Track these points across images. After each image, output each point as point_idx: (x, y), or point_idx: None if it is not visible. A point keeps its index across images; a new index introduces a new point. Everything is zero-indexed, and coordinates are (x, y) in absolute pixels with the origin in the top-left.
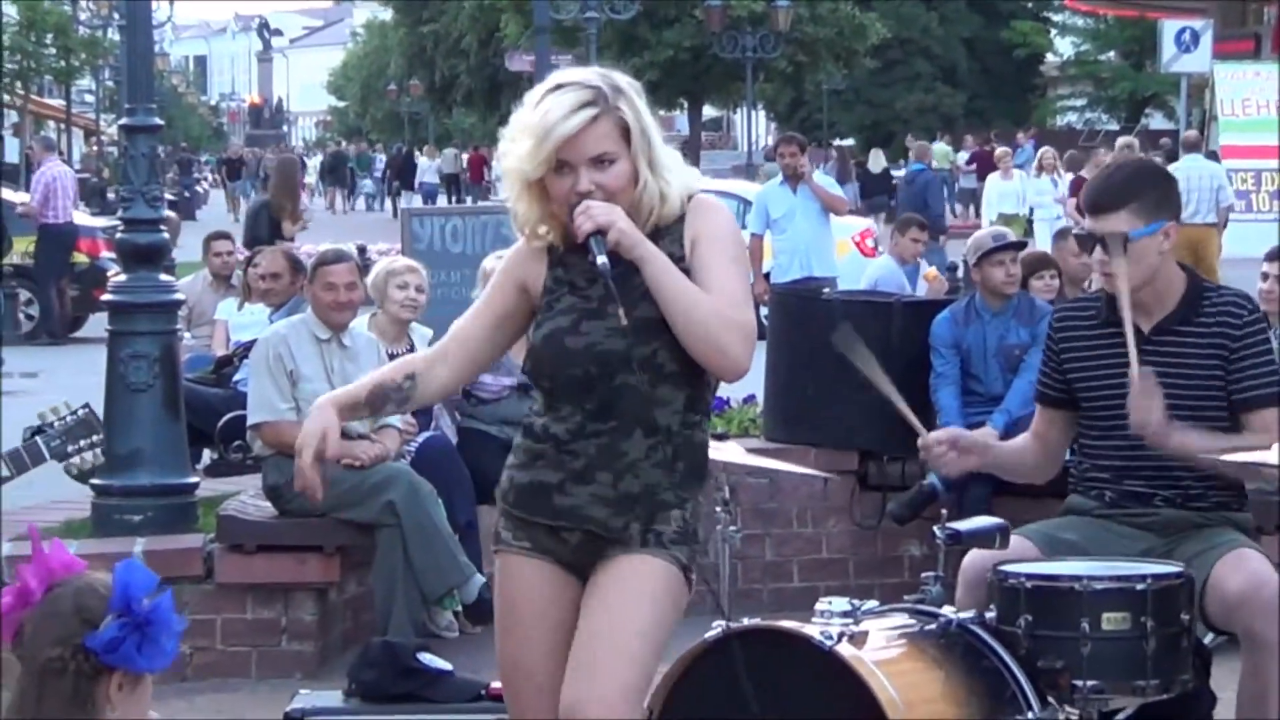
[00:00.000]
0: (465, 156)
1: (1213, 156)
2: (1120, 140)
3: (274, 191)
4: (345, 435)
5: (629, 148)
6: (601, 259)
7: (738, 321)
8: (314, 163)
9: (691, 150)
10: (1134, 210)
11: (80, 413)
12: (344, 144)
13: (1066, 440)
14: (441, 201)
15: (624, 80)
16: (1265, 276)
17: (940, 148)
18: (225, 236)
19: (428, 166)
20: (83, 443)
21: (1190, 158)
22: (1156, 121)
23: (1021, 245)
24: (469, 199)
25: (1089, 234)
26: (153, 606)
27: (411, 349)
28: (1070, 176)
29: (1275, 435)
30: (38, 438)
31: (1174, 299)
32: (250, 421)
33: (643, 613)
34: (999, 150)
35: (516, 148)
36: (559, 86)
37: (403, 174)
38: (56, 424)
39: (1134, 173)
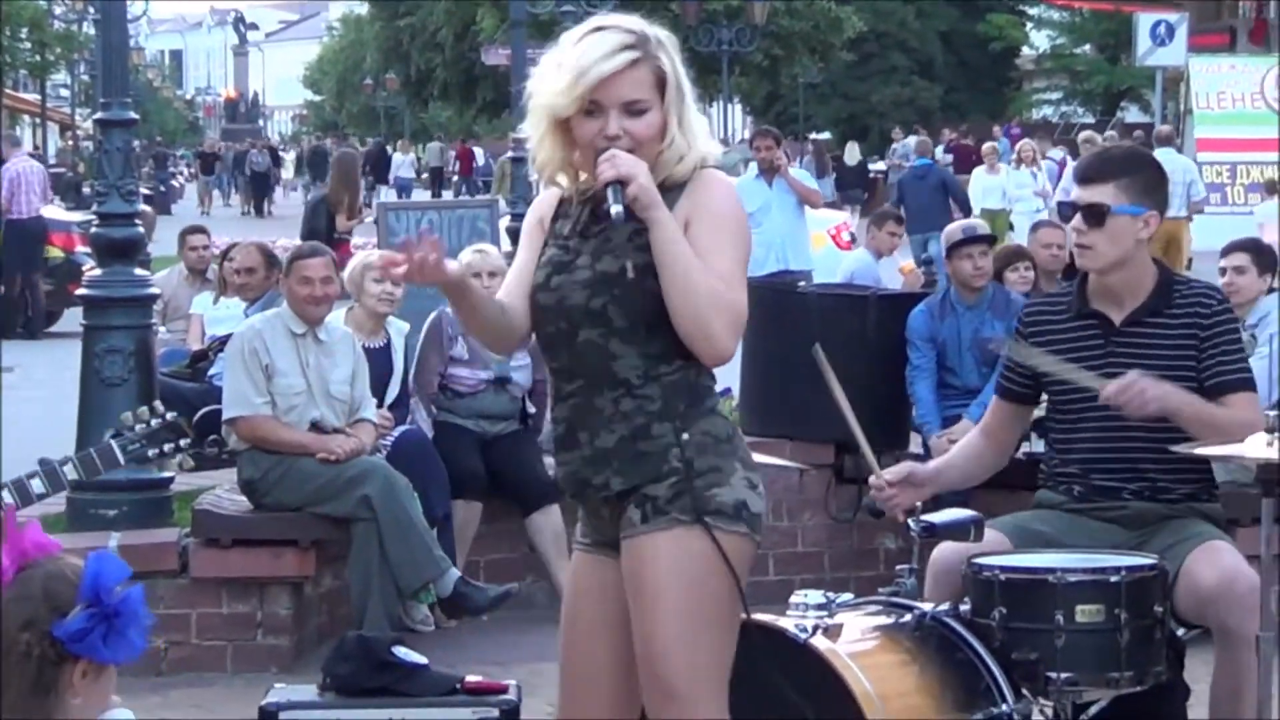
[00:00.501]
0: (451, 151)
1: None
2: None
3: (333, 186)
4: (321, 429)
5: (663, 100)
6: (617, 209)
7: (729, 304)
8: (289, 157)
9: None
10: (1121, 186)
11: (168, 417)
12: (323, 139)
13: (1016, 437)
14: (420, 195)
15: (665, 33)
16: (1224, 271)
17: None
18: (200, 230)
19: (402, 161)
20: (167, 446)
21: (1163, 151)
22: (1132, 115)
23: (992, 239)
24: (459, 192)
25: (1071, 202)
26: (122, 598)
27: (388, 343)
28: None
29: (1247, 416)
30: (112, 440)
31: (1146, 291)
32: (226, 416)
33: (669, 606)
34: (986, 145)
35: (548, 83)
36: (600, 28)
37: (377, 168)
38: (138, 428)
39: (1128, 153)
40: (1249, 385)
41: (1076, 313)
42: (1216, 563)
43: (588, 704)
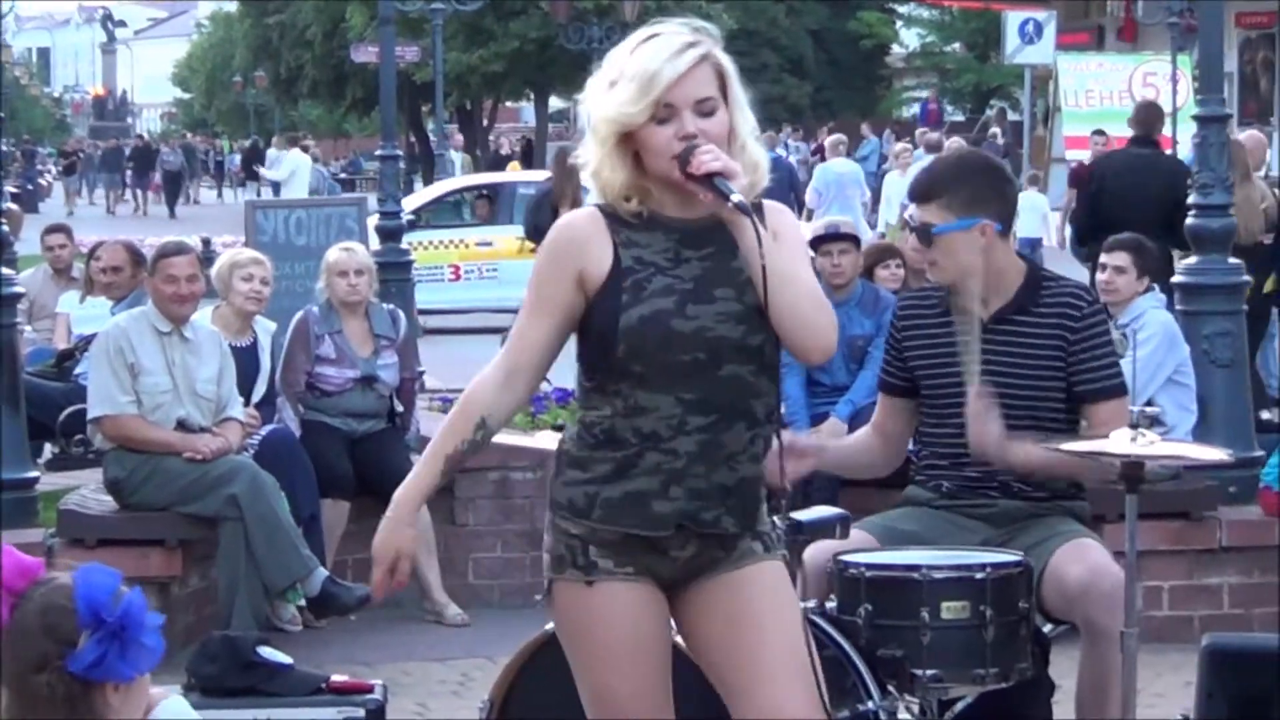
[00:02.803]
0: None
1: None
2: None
3: (555, 180)
4: (187, 428)
5: (726, 99)
6: (737, 196)
7: (827, 304)
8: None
9: (539, 142)
10: (943, 204)
11: None
12: (190, 136)
13: (908, 432)
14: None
15: (714, 29)
16: (1104, 267)
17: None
18: (60, 229)
19: (276, 158)
20: None
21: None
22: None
23: (854, 239)
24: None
25: (907, 221)
26: (122, 610)
27: (254, 342)
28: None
29: (1118, 424)
30: None
31: (1012, 289)
32: (91, 414)
33: (796, 616)
34: (899, 145)
35: (614, 95)
36: (655, 35)
37: (250, 165)
38: None
39: (953, 165)
40: (1120, 391)
41: (946, 309)
42: (1083, 559)
43: None
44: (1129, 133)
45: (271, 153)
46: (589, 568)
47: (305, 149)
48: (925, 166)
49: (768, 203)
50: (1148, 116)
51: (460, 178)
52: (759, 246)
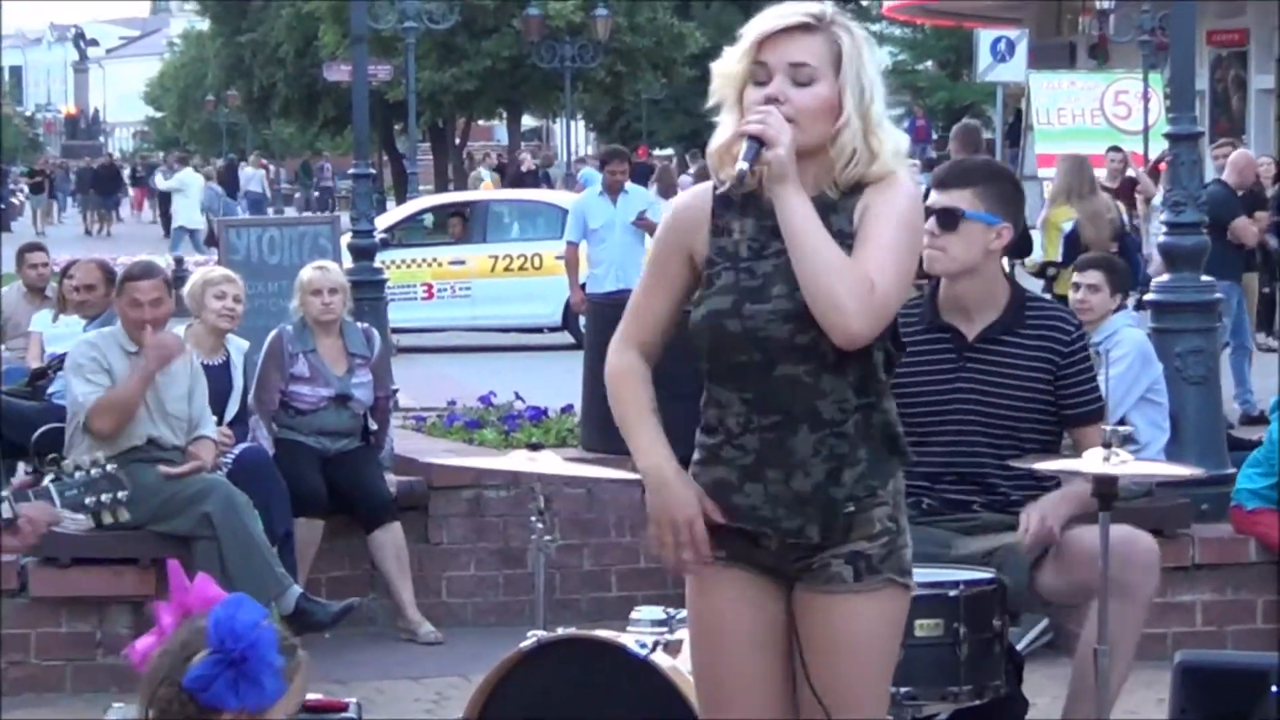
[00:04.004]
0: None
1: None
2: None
3: None
4: (160, 447)
5: (837, 76)
6: (743, 164)
7: (861, 278)
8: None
9: (511, 160)
10: (977, 194)
11: (109, 469)
12: (163, 156)
13: None
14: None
15: (860, 30)
16: (1077, 286)
17: None
18: (39, 248)
19: (251, 176)
20: (104, 497)
21: None
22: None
23: None
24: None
25: (928, 207)
26: (250, 643)
27: (227, 360)
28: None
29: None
30: (51, 484)
31: (999, 306)
32: (79, 416)
33: (871, 662)
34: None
35: (728, 54)
36: (780, 2)
37: (226, 184)
38: (78, 474)
39: (987, 164)
40: (1104, 414)
41: (929, 324)
42: (1095, 532)
43: (742, 714)
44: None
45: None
46: None
47: (197, 168)
48: (954, 160)
49: (894, 175)
50: None
51: (431, 196)
52: (786, 217)
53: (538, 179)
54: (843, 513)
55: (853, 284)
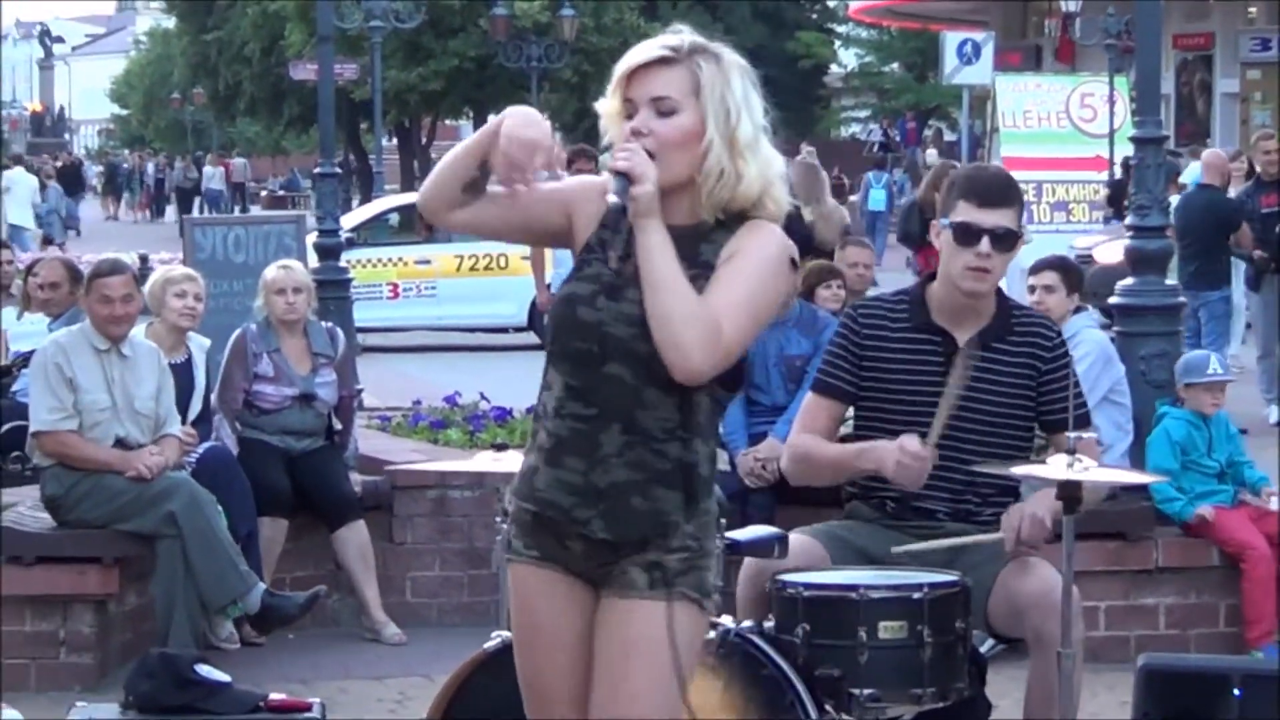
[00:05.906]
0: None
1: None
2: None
3: (924, 190)
4: (126, 446)
5: (697, 103)
6: (613, 199)
7: (707, 321)
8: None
9: None
10: (1016, 212)
11: None
12: (128, 153)
13: (833, 438)
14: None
15: (726, 51)
16: (1032, 289)
17: None
18: (3, 246)
19: (212, 174)
20: None
21: None
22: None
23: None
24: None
25: (973, 225)
26: None
27: (189, 359)
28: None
29: (1089, 455)
30: None
31: (989, 314)
32: (32, 430)
33: (653, 670)
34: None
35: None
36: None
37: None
38: None
39: (1009, 177)
40: (1087, 420)
41: (918, 325)
42: (1034, 574)
43: (555, 713)
44: (1077, 154)
45: (207, 169)
46: (511, 549)
47: (29, 168)
48: (989, 175)
49: (758, 221)
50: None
51: (397, 196)
52: (645, 252)
53: None
54: (636, 523)
55: (700, 330)
